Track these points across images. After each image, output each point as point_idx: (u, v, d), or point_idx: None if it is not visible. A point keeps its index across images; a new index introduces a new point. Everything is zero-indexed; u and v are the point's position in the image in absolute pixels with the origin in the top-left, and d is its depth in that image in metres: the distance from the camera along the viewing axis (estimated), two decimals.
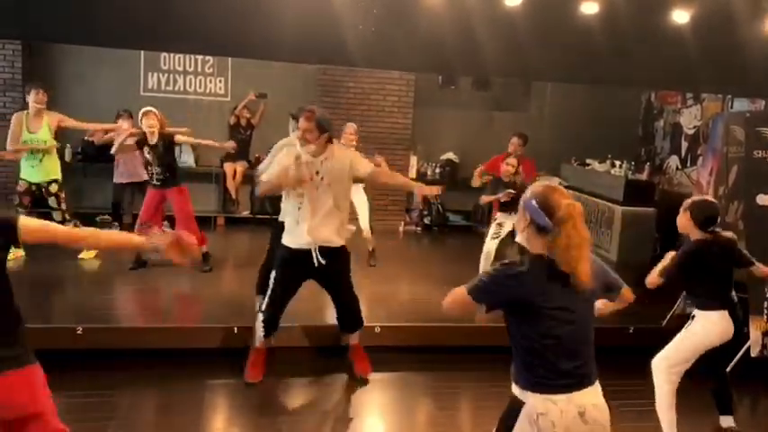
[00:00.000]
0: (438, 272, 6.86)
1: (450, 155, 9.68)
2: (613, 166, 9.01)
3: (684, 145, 8.81)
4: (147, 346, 4.65)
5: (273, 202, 8.76)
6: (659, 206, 8.06)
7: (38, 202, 6.42)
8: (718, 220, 3.78)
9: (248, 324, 4.79)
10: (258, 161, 8.77)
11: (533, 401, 2.23)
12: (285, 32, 4.28)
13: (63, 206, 6.39)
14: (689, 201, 3.79)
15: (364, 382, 4.60)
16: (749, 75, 4.96)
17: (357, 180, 4.50)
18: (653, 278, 3.68)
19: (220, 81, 9.12)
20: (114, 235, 2.79)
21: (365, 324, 4.69)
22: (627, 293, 2.56)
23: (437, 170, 9.61)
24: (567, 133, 9.59)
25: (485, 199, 6.28)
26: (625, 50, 4.51)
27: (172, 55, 8.91)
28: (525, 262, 2.25)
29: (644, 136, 9.96)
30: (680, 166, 8.86)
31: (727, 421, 3.98)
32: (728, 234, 3.84)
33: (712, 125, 7.90)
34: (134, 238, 2.68)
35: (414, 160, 9.42)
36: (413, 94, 9.19)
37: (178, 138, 6.17)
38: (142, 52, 8.72)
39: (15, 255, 5.99)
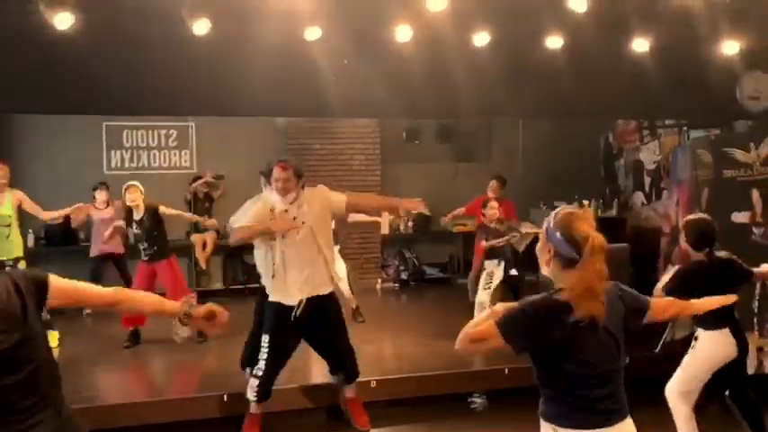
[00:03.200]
0: (420, 325, 6.74)
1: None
2: (581, 205, 9.13)
3: (647, 180, 9.01)
4: (134, 422, 4.40)
5: (247, 270, 8.62)
6: (630, 241, 8.15)
7: None
8: (715, 238, 3.73)
9: (237, 391, 4.59)
10: (226, 231, 8.63)
11: None
12: (256, 88, 4.31)
13: None
14: (683, 221, 3.73)
15: None
16: (709, 101, 5.15)
17: (337, 215, 4.40)
18: (657, 293, 3.59)
19: (185, 153, 9.04)
20: (150, 297, 2.43)
21: (360, 380, 4.55)
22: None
23: (410, 224, 9.61)
24: (531, 179, 9.68)
25: (490, 243, 6.06)
26: (590, 82, 4.64)
27: (134, 131, 8.83)
28: (547, 300, 2.11)
29: (606, 175, 10.17)
30: (645, 202, 9.03)
31: None
32: (723, 254, 3.80)
33: (672, 157, 8.13)
34: (167, 302, 2.37)
35: (385, 216, 9.40)
36: (379, 151, 9.26)
37: (162, 209, 6.02)
38: (104, 131, 8.64)
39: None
